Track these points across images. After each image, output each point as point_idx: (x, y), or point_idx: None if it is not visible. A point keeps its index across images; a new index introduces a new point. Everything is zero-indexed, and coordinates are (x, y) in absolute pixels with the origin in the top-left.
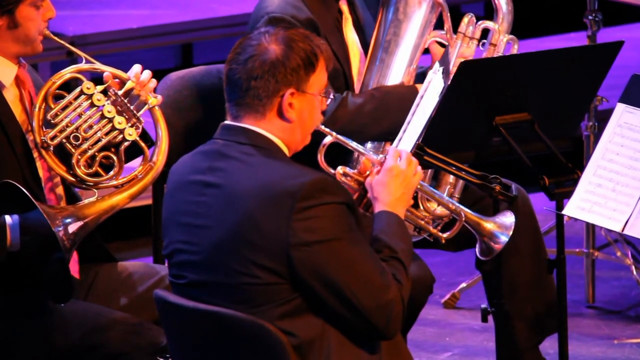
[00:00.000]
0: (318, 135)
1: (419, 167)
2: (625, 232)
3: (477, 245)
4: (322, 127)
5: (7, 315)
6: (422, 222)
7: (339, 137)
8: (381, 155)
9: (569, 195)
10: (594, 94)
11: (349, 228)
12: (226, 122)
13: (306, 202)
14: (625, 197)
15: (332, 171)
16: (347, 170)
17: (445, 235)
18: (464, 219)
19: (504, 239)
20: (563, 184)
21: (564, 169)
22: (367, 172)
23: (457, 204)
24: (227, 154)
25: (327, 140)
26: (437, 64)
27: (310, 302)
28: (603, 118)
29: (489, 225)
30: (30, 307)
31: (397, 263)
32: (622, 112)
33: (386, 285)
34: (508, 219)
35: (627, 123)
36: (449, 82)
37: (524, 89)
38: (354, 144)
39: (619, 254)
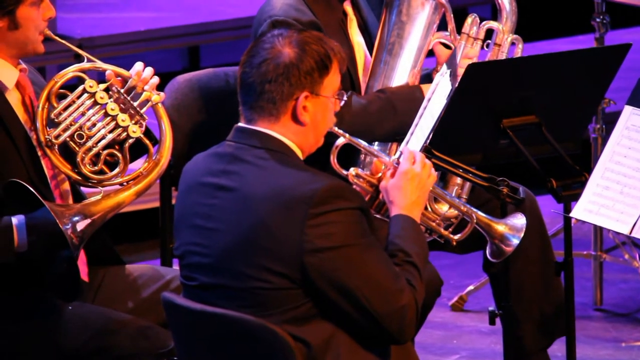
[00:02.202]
0: (329, 137)
1: (433, 169)
2: (633, 234)
3: (488, 247)
4: (336, 128)
5: (15, 316)
6: (434, 224)
7: (352, 138)
8: (394, 157)
9: (576, 197)
10: (602, 96)
11: (362, 233)
12: (240, 124)
13: (320, 208)
14: (633, 199)
15: (345, 172)
16: (360, 171)
17: (456, 237)
18: (475, 221)
19: (515, 241)
20: (571, 186)
21: (572, 171)
22: (379, 174)
23: (469, 206)
24: (241, 158)
25: (340, 141)
26: (444, 67)
27: (322, 307)
28: (610, 120)
29: (500, 227)
30: (38, 309)
31: (411, 267)
32: (629, 115)
33: (399, 290)
34: (519, 220)
35: (635, 125)
36: (456, 85)
37: (532, 91)
38: (366, 146)
39: (626, 256)
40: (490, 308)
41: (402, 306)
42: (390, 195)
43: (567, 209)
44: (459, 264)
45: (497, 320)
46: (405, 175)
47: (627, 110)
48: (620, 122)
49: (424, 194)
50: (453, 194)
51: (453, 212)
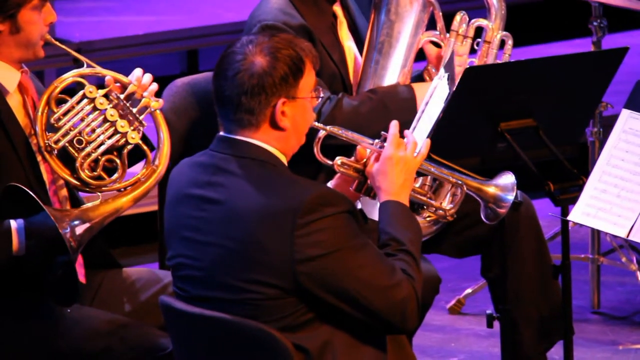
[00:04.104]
0: (314, 133)
1: (423, 148)
2: (631, 237)
3: (482, 212)
4: (315, 123)
5: (13, 318)
6: (425, 199)
7: (332, 129)
8: (377, 140)
9: (574, 201)
10: (599, 100)
11: (353, 235)
12: (222, 134)
13: (308, 218)
14: (630, 202)
15: (330, 162)
16: (345, 159)
17: (449, 207)
18: (465, 188)
19: (509, 198)
20: (568, 189)
21: (569, 174)
22: (364, 160)
23: (458, 174)
24: (226, 169)
25: (322, 133)
26: (442, 70)
27: (319, 312)
28: (608, 124)
29: (491, 189)
30: (36, 311)
31: (406, 255)
32: (627, 118)
33: (397, 284)
34: (508, 179)
35: (632, 129)
36: (454, 88)
37: (529, 95)
38: (346, 133)
39: (624, 259)
40: (488, 311)
41: (402, 299)
42: (376, 181)
43: (565, 213)
44: (457, 267)
45: (495, 324)
46: (390, 160)
47: (625, 113)
48: (618, 125)
49: (411, 176)
50: (447, 197)
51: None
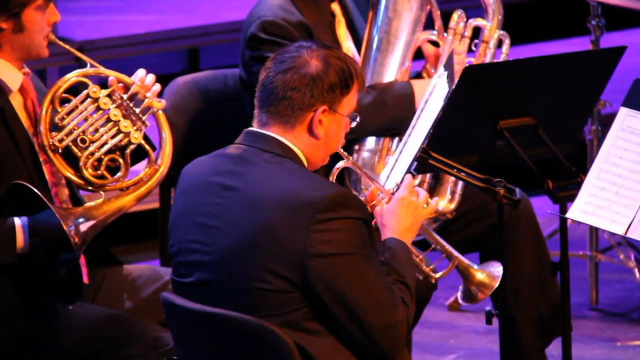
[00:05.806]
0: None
1: (433, 202)
2: (628, 235)
3: (461, 289)
4: (341, 150)
5: (17, 316)
6: (417, 260)
7: (355, 164)
8: (391, 187)
9: (572, 198)
10: (597, 98)
11: (364, 244)
12: (251, 128)
13: (326, 215)
14: (629, 200)
15: None
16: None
17: (437, 275)
18: (456, 263)
19: (493, 285)
20: (567, 187)
21: (568, 172)
22: (374, 201)
23: (452, 249)
24: (251, 160)
25: (341, 164)
26: (441, 68)
27: (317, 313)
28: (606, 122)
29: (478, 274)
30: (39, 308)
31: (404, 287)
32: (624, 116)
33: (394, 305)
34: (496, 269)
35: (630, 127)
36: (453, 87)
37: (528, 93)
38: (365, 171)
39: (622, 256)
40: (487, 308)
41: (396, 322)
42: (384, 219)
43: (563, 210)
44: None
45: (494, 320)
46: (402, 201)
47: (623, 112)
48: (616, 123)
49: (418, 222)
50: (447, 192)
51: (448, 207)
